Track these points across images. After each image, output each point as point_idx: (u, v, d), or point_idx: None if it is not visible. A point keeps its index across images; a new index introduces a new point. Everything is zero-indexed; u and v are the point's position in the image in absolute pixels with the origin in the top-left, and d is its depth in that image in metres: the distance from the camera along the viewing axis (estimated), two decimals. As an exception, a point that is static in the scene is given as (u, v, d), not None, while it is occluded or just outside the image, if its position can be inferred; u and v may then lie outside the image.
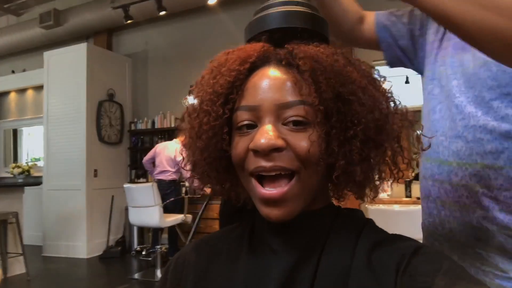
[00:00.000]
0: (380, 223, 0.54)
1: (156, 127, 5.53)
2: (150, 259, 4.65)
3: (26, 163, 6.33)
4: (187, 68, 5.12)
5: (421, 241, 0.57)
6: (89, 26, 5.67)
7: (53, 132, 5.36)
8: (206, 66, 0.56)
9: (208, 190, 0.76)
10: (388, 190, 3.84)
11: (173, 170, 4.41)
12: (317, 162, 0.47)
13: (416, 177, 4.22)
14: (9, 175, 5.04)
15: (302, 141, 0.47)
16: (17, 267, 4.19)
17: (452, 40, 0.73)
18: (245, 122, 0.49)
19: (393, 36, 0.85)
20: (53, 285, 4.15)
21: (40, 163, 6.13)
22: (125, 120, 5.75)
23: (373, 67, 0.53)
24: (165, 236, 4.53)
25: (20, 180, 4.69)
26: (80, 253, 5.05)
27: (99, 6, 5.37)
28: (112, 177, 5.45)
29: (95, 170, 5.24)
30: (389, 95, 0.52)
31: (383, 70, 0.56)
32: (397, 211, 2.86)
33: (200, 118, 0.52)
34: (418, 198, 3.69)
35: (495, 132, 0.64)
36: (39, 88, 6.22)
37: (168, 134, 5.37)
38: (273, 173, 0.47)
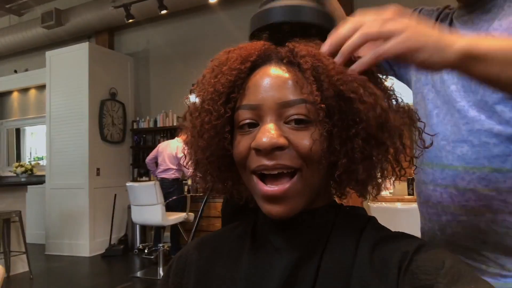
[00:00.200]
0: (382, 221, 0.54)
1: (158, 125, 5.53)
2: (152, 257, 4.66)
3: (29, 162, 6.35)
4: (188, 67, 5.13)
5: (423, 239, 0.57)
6: (90, 26, 5.68)
7: (56, 131, 5.38)
8: (207, 64, 0.56)
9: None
10: (391, 188, 3.84)
11: (176, 168, 4.42)
12: (319, 160, 0.47)
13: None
14: (12, 174, 5.06)
15: (304, 140, 0.47)
16: (20, 266, 4.21)
17: None
18: (247, 121, 0.49)
19: None
20: (55, 283, 4.17)
21: (43, 162, 6.15)
22: (128, 119, 5.76)
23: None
24: (167, 234, 4.54)
25: (23, 179, 4.71)
26: (83, 252, 5.07)
27: (100, 6, 5.38)
28: (115, 175, 5.47)
29: (98, 169, 5.25)
30: (391, 92, 0.52)
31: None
32: (399, 209, 2.85)
33: (202, 117, 0.52)
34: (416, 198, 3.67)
35: (501, 136, 0.64)
36: (41, 87, 6.24)
37: (170, 132, 5.37)
38: (275, 172, 0.47)
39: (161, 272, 3.99)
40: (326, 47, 0.49)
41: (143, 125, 5.67)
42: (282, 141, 0.46)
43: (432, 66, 0.48)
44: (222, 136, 0.52)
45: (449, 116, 0.71)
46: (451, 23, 0.75)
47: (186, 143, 0.58)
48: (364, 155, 0.48)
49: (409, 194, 3.82)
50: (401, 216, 2.76)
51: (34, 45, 6.25)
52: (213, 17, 5.28)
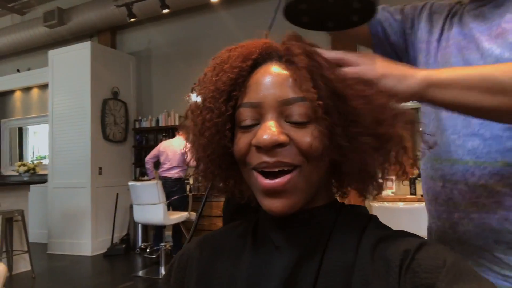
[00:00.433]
0: (384, 220, 0.54)
1: (160, 125, 5.54)
2: (154, 256, 4.67)
3: (31, 161, 6.38)
4: (190, 66, 5.13)
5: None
6: (92, 25, 5.69)
7: (58, 131, 5.39)
8: (209, 63, 0.56)
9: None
10: (393, 187, 3.84)
11: (181, 166, 4.41)
12: (320, 157, 0.48)
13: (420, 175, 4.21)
14: (14, 173, 5.07)
15: (304, 137, 0.47)
16: (22, 265, 4.23)
17: (452, 40, 0.73)
18: (248, 119, 0.50)
19: (385, 31, 0.83)
20: (57, 282, 4.18)
21: (46, 161, 6.17)
22: (130, 118, 5.77)
23: None
24: (169, 233, 4.55)
25: (25, 178, 4.72)
26: (85, 251, 5.08)
27: (102, 5, 5.39)
28: (117, 175, 5.48)
29: (100, 168, 5.26)
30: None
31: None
32: (401, 209, 2.85)
33: (203, 115, 0.53)
34: (423, 196, 3.67)
35: None
36: (44, 86, 6.26)
37: (172, 132, 5.38)
38: (276, 169, 0.48)
39: (163, 272, 4.00)
40: (332, 55, 0.53)
41: (145, 124, 5.68)
42: (282, 138, 0.47)
43: (399, 93, 0.54)
44: (223, 134, 0.52)
45: None
46: (462, 18, 0.74)
47: (187, 140, 0.58)
48: (365, 153, 0.48)
49: (411, 194, 3.82)
50: (403, 215, 2.76)
51: (37, 44, 6.26)
52: (215, 17, 5.28)
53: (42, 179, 4.91)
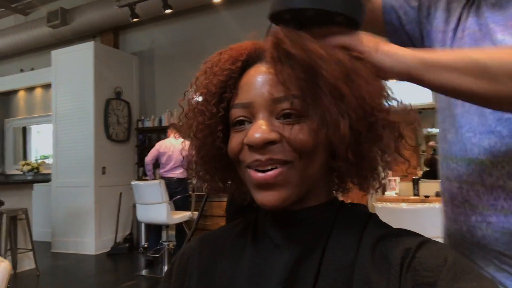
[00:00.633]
0: (387, 221, 0.54)
1: (163, 124, 5.54)
2: (157, 255, 4.68)
3: (35, 160, 6.40)
4: (193, 66, 4.99)
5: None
6: (95, 25, 5.70)
7: (62, 130, 5.42)
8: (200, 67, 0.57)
9: None
10: (396, 188, 3.83)
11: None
12: (312, 152, 0.48)
13: (423, 175, 4.20)
14: (18, 172, 5.10)
15: (295, 133, 0.48)
16: (27, 263, 4.25)
17: (467, 30, 0.69)
18: (240, 119, 0.51)
19: (400, 19, 0.78)
20: (61, 280, 4.20)
21: (49, 161, 6.19)
22: (133, 118, 5.79)
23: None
24: (172, 233, 4.56)
25: (29, 177, 4.75)
26: (88, 250, 5.10)
27: (105, 5, 5.40)
28: (120, 174, 5.49)
29: (103, 168, 5.28)
30: (389, 92, 0.52)
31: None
32: (404, 209, 2.84)
33: (196, 117, 0.54)
34: (426, 197, 3.65)
35: None
36: (47, 86, 6.29)
37: (175, 131, 5.38)
38: (269, 167, 0.48)
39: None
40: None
41: (148, 124, 5.69)
42: (273, 135, 0.48)
43: (389, 69, 0.52)
44: (216, 135, 0.54)
45: (474, 105, 0.63)
46: (479, 5, 0.70)
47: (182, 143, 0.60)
48: (360, 145, 0.48)
49: (414, 195, 3.81)
50: (406, 216, 2.75)
51: (40, 44, 6.29)
52: (217, 17, 5.29)
53: (46, 178, 4.94)
